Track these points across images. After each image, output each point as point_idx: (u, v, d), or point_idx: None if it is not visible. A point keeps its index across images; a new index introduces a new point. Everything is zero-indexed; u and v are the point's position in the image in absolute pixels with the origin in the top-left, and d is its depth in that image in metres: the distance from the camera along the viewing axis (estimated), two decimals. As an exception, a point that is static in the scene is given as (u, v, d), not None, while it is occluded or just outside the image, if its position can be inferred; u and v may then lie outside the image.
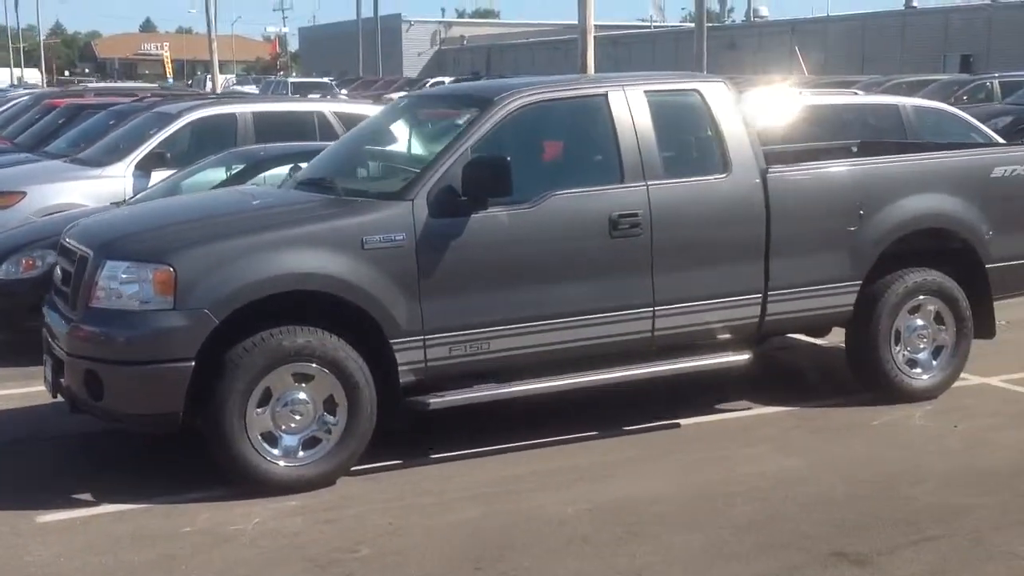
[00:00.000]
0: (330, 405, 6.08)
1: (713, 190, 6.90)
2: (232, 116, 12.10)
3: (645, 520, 5.60)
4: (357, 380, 6.06)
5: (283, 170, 8.15)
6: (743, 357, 7.04)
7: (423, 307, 6.18)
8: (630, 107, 6.76)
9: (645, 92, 6.87)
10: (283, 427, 6.00)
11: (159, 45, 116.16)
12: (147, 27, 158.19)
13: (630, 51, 63.11)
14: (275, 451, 5.98)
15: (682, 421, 7.17)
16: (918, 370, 7.55)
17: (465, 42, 77.78)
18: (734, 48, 56.94)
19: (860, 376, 7.58)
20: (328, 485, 6.09)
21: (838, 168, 7.44)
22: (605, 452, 6.65)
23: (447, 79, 45.12)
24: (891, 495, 5.87)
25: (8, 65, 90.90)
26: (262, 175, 8.54)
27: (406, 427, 6.41)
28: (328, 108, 12.78)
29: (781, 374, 8.48)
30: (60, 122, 16.55)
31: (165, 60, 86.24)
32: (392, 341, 6.15)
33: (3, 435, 7.23)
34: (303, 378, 6.02)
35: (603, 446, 6.77)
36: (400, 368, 6.20)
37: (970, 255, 7.63)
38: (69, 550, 5.35)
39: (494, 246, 6.34)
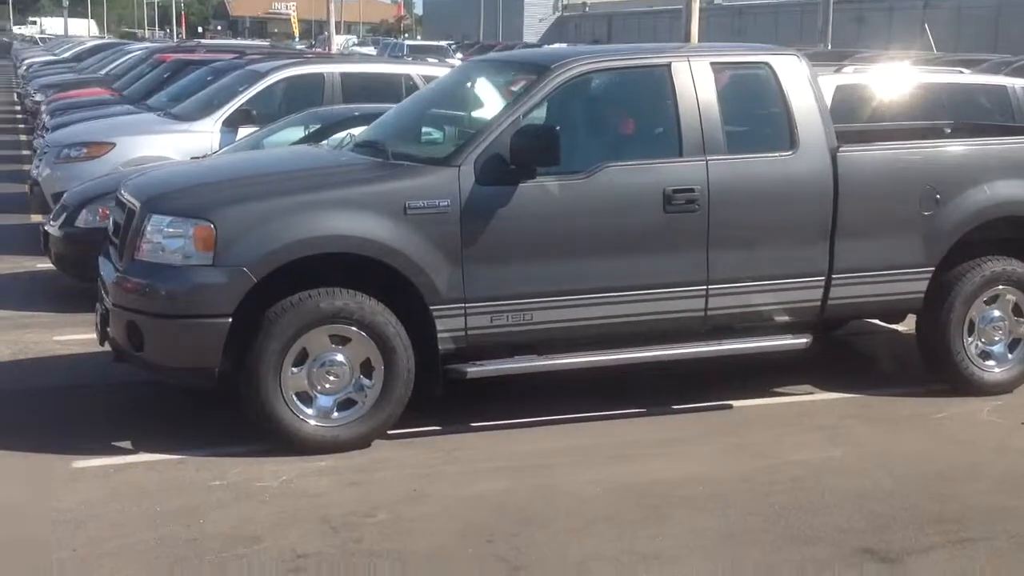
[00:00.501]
0: (367, 368, 6.04)
1: (778, 167, 6.66)
2: (320, 76, 12.16)
3: (673, 503, 5.45)
4: (394, 344, 6.00)
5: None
6: (801, 341, 6.81)
7: (465, 275, 6.09)
8: (694, 79, 6.54)
9: (711, 64, 6.66)
10: (319, 387, 5.98)
11: (287, 5, 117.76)
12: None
13: (754, 22, 61.94)
14: (309, 411, 5.96)
15: (736, 403, 6.97)
16: (992, 363, 7.22)
17: (587, 8, 77.13)
18: (862, 22, 55.46)
19: (931, 366, 7.29)
20: (363, 447, 6.06)
21: (913, 150, 7.13)
22: (648, 431, 6.51)
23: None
24: (937, 493, 5.62)
25: (141, 23, 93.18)
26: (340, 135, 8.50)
27: (441, 394, 6.29)
28: (416, 71, 12.75)
29: (852, 360, 8.24)
30: (165, 76, 16.79)
31: (292, 20, 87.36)
32: (432, 307, 6.08)
33: (64, 379, 7.35)
34: (340, 340, 5.98)
35: (648, 424, 6.62)
36: (439, 335, 6.13)
37: (1053, 246, 7.26)
38: (96, 497, 5.40)
39: (542, 216, 6.21)
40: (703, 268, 6.50)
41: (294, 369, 5.91)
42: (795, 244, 6.68)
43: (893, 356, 8.24)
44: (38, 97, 20.89)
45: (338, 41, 65.50)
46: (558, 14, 78.69)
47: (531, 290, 6.23)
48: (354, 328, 5.95)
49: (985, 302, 7.17)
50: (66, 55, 36.81)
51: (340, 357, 5.98)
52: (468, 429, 6.44)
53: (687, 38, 16.56)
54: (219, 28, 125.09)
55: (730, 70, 6.82)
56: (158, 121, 12.09)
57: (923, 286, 6.99)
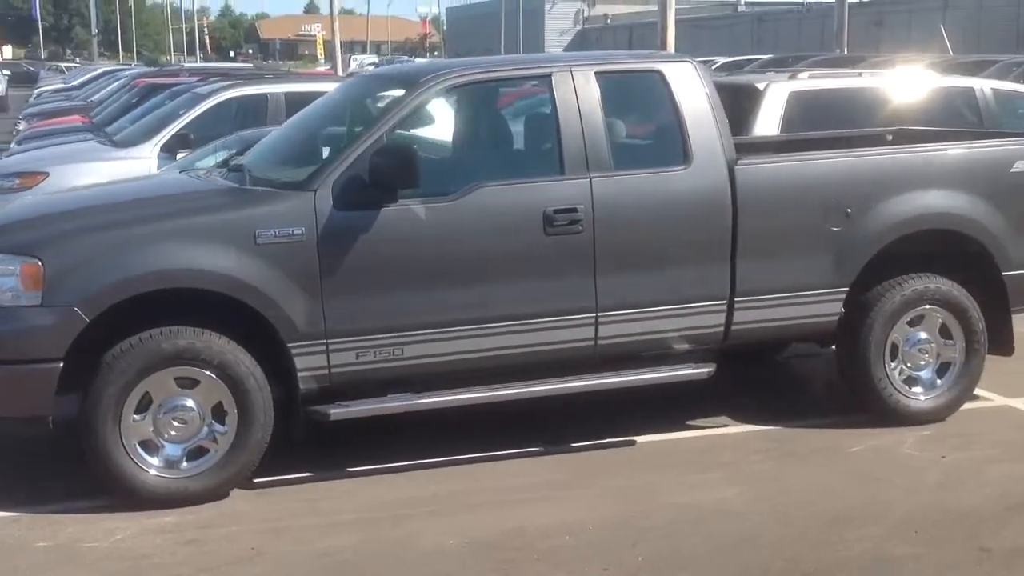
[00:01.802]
0: (219, 413, 5.61)
1: (670, 184, 6.20)
2: (263, 97, 11.81)
3: (529, 557, 5.00)
4: (248, 386, 5.59)
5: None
6: (703, 370, 6.33)
7: (325, 308, 5.67)
8: (576, 91, 6.09)
9: (596, 74, 6.20)
10: (165, 435, 5.57)
11: (316, 26, 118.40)
12: (311, 8, 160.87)
13: (777, 28, 61.32)
14: (155, 461, 5.56)
15: (641, 438, 6.50)
16: (918, 389, 6.71)
17: (608, 21, 76.71)
18: (881, 26, 54.70)
19: (854, 394, 6.78)
20: (217, 499, 5.64)
21: (820, 160, 6.65)
22: (536, 471, 6.06)
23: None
24: (824, 539, 5.14)
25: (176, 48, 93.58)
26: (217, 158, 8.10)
27: (304, 438, 5.87)
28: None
29: (782, 387, 7.76)
30: (134, 102, 16.52)
31: (317, 41, 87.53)
32: (290, 345, 5.66)
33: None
34: (189, 383, 5.57)
35: (539, 464, 6.17)
36: (299, 374, 5.71)
37: (986, 261, 6.74)
38: (-91, 561, 5.01)
39: (408, 242, 5.78)
40: (591, 294, 6.05)
41: (136, 416, 5.50)
42: (692, 266, 6.21)
43: (828, 382, 7.72)
44: (21, 125, 20.72)
45: (361, 61, 65.58)
46: (579, 27, 78.36)
47: (400, 323, 5.80)
48: (202, 369, 5.54)
49: (909, 324, 6.67)
50: (74, 83, 36.80)
51: (188, 402, 5.57)
52: (344, 475, 6.01)
53: (663, 46, 16.13)
54: (250, 51, 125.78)
55: (618, 80, 6.38)
56: (96, 149, 11.80)
57: (837, 308, 6.50)
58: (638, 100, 6.46)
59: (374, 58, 70.76)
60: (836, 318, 6.52)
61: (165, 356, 5.48)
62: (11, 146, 16.01)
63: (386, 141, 5.77)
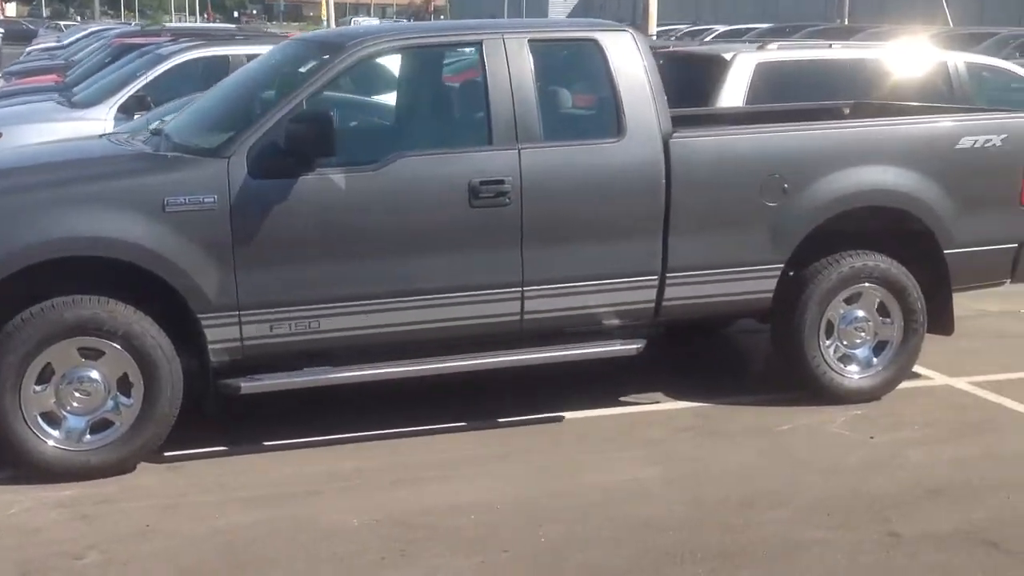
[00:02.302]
0: (125, 385, 5.48)
1: (602, 156, 6.04)
2: (225, 58, 11.62)
3: (432, 537, 4.88)
4: (155, 358, 5.45)
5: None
6: (632, 346, 6.20)
7: (238, 279, 5.53)
8: (508, 59, 5.92)
9: (530, 41, 6.02)
10: (68, 407, 5.43)
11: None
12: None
13: (779, -2, 60.76)
14: (56, 433, 5.42)
15: (569, 414, 6.38)
16: (854, 368, 6.58)
17: (614, -14, 76.05)
18: (885, -4, 54.18)
19: (788, 371, 6.65)
20: (123, 472, 5.53)
21: (758, 135, 6.49)
22: (456, 448, 5.94)
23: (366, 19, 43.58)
24: (733, 522, 5.02)
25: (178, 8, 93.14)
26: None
27: (220, 412, 5.75)
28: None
29: (724, 362, 7.63)
30: (107, 62, 16.31)
31: (321, 2, 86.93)
32: (200, 316, 5.53)
33: None
34: (94, 353, 5.44)
35: (460, 440, 6.06)
36: (211, 346, 5.58)
37: (928, 239, 6.59)
38: None
39: (326, 212, 5.64)
40: (517, 268, 5.91)
41: (37, 387, 5.37)
42: (623, 240, 6.07)
43: (770, 358, 7.56)
44: (0, 83, 20.54)
45: (359, 23, 65.07)
46: (583, -7, 77.72)
47: (317, 295, 5.66)
48: (107, 340, 5.40)
49: (846, 301, 6.53)
50: (64, 41, 36.49)
51: (92, 373, 5.43)
52: (261, 449, 5.90)
53: (644, 14, 15.94)
54: (254, 12, 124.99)
55: (553, 49, 6.23)
56: (53, 109, 11.64)
57: (771, 285, 6.36)
58: (573, 70, 6.31)
59: (375, 21, 70.24)
60: (771, 295, 6.38)
61: (68, 326, 5.34)
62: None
63: (305, 108, 5.61)
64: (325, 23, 77.23)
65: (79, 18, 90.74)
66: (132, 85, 11.13)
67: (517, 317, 5.98)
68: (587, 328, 6.21)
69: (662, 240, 6.11)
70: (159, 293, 5.51)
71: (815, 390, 6.51)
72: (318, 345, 5.74)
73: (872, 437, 6.07)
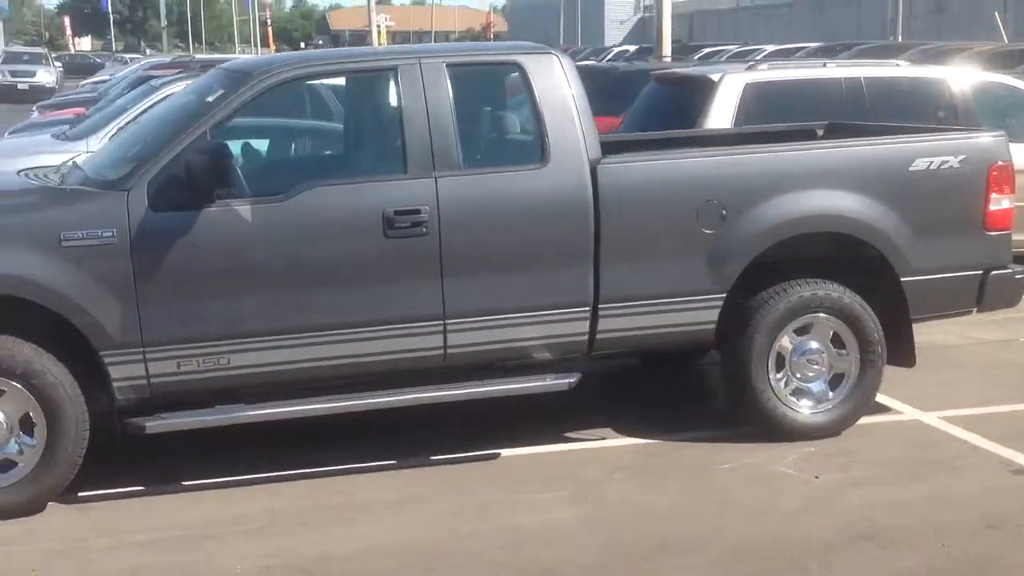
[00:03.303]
0: (28, 424, 5.34)
1: (525, 184, 5.82)
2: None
3: (315, 585, 4.66)
4: (56, 397, 5.31)
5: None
6: (564, 381, 5.94)
7: (141, 315, 5.37)
8: (424, 85, 5.72)
9: (448, 66, 5.82)
10: (-32, 448, 5.30)
11: (386, 16, 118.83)
12: None
13: (835, 15, 60.13)
14: (-44, 475, 5.29)
15: (506, 452, 6.14)
16: (807, 402, 6.26)
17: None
18: (943, 12, 53.38)
19: (737, 407, 6.35)
20: (30, 513, 5.39)
21: (692, 160, 6.22)
22: (376, 489, 5.72)
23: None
24: (640, 567, 4.79)
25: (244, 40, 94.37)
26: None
27: (122, 449, 5.59)
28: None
29: (686, 397, 7.33)
30: (123, 94, 16.38)
31: (380, 31, 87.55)
32: (103, 353, 5.37)
33: None
34: (-7, 393, 5.30)
35: (387, 479, 5.84)
36: (115, 384, 5.43)
37: (883, 266, 6.27)
38: None
39: (232, 245, 5.47)
40: (438, 300, 5.69)
41: (-67, 428, 5.25)
42: (550, 271, 5.83)
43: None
44: (34, 115, 20.74)
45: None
46: (639, 15, 77.54)
47: (225, 331, 5.49)
48: (6, 379, 5.27)
49: (796, 332, 6.22)
50: (117, 75, 36.94)
51: (-7, 412, 5.30)
52: (178, 489, 5.73)
53: (658, 36, 15.69)
54: (320, 43, 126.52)
55: (473, 73, 5.99)
56: (48, 142, 11.62)
57: (713, 315, 6.07)
58: (496, 95, 6.07)
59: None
60: (713, 326, 6.09)
61: (-37, 364, 5.21)
62: (4, 136, 15.98)
63: (207, 138, 5.45)
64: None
65: (148, 51, 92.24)
66: (122, 117, 11.06)
67: (440, 351, 5.76)
68: (517, 362, 5.96)
69: (592, 270, 5.86)
70: (65, 331, 5.36)
71: (766, 426, 6.21)
72: (230, 382, 5.57)
73: (817, 477, 5.75)
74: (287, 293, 5.54)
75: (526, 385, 5.92)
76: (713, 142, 7.44)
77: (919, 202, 6.26)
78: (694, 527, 5.16)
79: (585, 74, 13.88)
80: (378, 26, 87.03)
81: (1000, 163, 6.38)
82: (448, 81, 5.76)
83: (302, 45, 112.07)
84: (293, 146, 6.03)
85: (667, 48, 15.19)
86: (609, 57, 42.70)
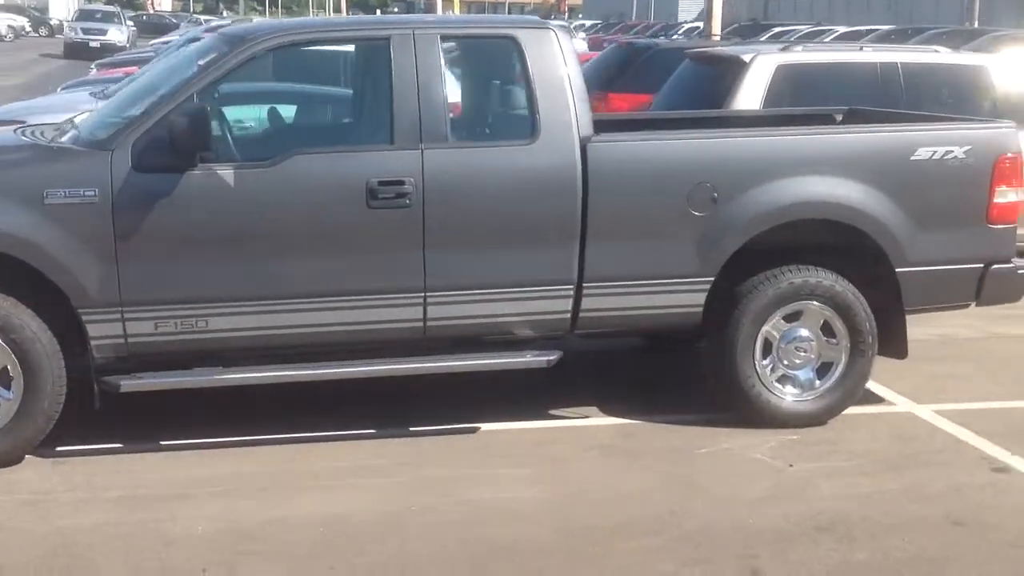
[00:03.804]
0: (5, 378, 5.43)
1: (513, 159, 5.79)
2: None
3: (265, 549, 4.73)
4: (33, 351, 5.39)
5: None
6: (544, 358, 5.92)
7: (121, 274, 5.43)
8: (416, 55, 5.70)
9: (442, 37, 5.79)
10: (-56, 399, 5.41)
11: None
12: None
13: (914, 2, 59.00)
14: (-67, 425, 5.39)
15: (486, 426, 6.14)
16: (794, 389, 6.19)
17: (744, -15, 74.70)
18: (1023, -1, 52.11)
19: (719, 392, 6.28)
20: (6, 464, 5.51)
21: (685, 140, 6.14)
22: (354, 456, 5.77)
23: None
24: (592, 549, 4.76)
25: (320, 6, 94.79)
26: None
27: (99, 407, 5.65)
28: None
29: (681, 378, 7.25)
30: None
31: (454, 4, 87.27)
32: (81, 311, 5.44)
33: None
34: (-28, 346, 5.39)
35: (362, 448, 5.88)
36: (93, 342, 5.50)
37: (878, 256, 6.17)
38: None
39: (215, 209, 5.51)
40: (419, 272, 5.69)
41: (-89, 378, 5.35)
42: (535, 247, 5.80)
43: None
44: (92, 72, 20.99)
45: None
46: (715, -8, 76.59)
47: (204, 294, 5.54)
48: (-21, 332, 5.36)
49: (786, 319, 6.14)
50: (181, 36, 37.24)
51: (-30, 365, 5.39)
52: (155, 448, 5.80)
53: (708, 10, 15.49)
54: (395, 10, 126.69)
55: (467, 46, 5.99)
56: (83, 100, 11.75)
57: (700, 299, 6.02)
58: (489, 68, 6.06)
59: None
60: (700, 309, 6.03)
61: (-63, 317, 5.31)
62: (57, 91, 16.22)
63: (194, 102, 5.48)
64: (457, 20, 77.94)
65: (225, 14, 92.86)
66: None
67: (420, 323, 5.77)
68: (497, 337, 5.95)
69: (578, 248, 5.82)
70: (46, 287, 5.43)
71: (750, 411, 6.15)
72: (207, 345, 5.62)
73: (791, 465, 5.69)
74: (268, 259, 5.56)
75: (506, 361, 5.91)
76: (725, 123, 7.35)
77: (920, 192, 6.14)
78: (653, 510, 5.13)
79: (623, 51, 13.86)
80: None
81: (1008, 155, 6.23)
82: (441, 53, 5.73)
83: (377, 12, 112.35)
84: (284, 113, 6.02)
85: (716, 26, 14.98)
86: (679, 34, 42.44)
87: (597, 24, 57.00)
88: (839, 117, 7.74)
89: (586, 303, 5.90)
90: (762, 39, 31.84)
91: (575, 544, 4.79)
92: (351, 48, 6.14)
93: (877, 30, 35.41)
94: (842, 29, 38.68)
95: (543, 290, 5.83)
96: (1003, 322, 8.39)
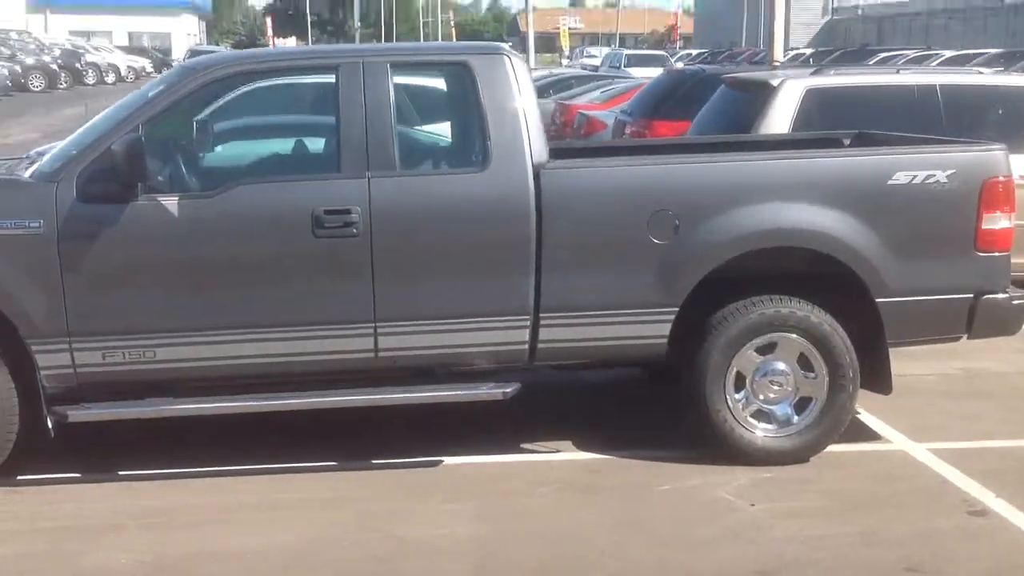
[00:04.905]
0: (-41, 408, 5.48)
1: (463, 187, 5.66)
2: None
3: (173, 584, 4.64)
4: (-18, 382, 5.42)
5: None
6: (500, 391, 5.75)
7: (68, 304, 5.45)
8: (364, 84, 5.63)
9: (392, 65, 5.71)
10: (-101, 430, 5.46)
11: (576, 18, 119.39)
12: (576, 2, 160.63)
13: (963, 26, 57.62)
14: None
15: (451, 459, 6.00)
16: (770, 425, 5.93)
17: (861, 11, 73.55)
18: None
19: (693, 427, 6.05)
20: (-39, 495, 5.53)
21: (644, 167, 5.94)
22: (305, 488, 5.68)
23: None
24: (498, 591, 4.57)
25: (421, 39, 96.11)
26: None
27: (52, 437, 5.65)
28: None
29: (669, 413, 7.01)
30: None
31: (562, 33, 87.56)
32: (29, 341, 5.46)
33: None
34: (-78, 377, 5.45)
35: (314, 480, 5.79)
36: (41, 372, 5.51)
37: (857, 286, 5.88)
38: None
39: (159, 240, 5.49)
40: (368, 302, 5.59)
41: None
42: (489, 277, 5.66)
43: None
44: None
45: (588, 52, 65.62)
46: (828, 18, 75.55)
47: (151, 324, 5.52)
48: (-70, 364, 5.41)
49: (759, 351, 5.89)
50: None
51: (-78, 396, 5.45)
52: (113, 477, 5.80)
53: (770, 40, 15.19)
54: (511, 45, 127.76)
55: (419, 73, 5.89)
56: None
57: (664, 329, 5.80)
58: (442, 95, 5.93)
59: (596, 49, 70.33)
60: (664, 340, 5.81)
61: None
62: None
63: (139, 132, 5.48)
64: (565, 53, 78.18)
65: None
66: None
67: (371, 354, 5.66)
68: (454, 368, 5.81)
69: (534, 278, 5.66)
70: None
71: (722, 447, 5.90)
72: (156, 375, 5.59)
73: (753, 505, 5.43)
74: (214, 290, 5.53)
75: (460, 393, 5.77)
76: (724, 148, 7.11)
77: (898, 218, 5.85)
78: (586, 550, 4.93)
79: (671, 79, 13.63)
80: (561, 28, 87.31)
81: (996, 178, 5.90)
82: (390, 81, 5.65)
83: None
84: (233, 142, 5.99)
85: (779, 52, 14.68)
86: (787, 59, 41.85)
87: (704, 53, 56.54)
88: (847, 141, 7.44)
89: (544, 334, 5.73)
90: (869, 63, 31.24)
91: (489, 584, 4.62)
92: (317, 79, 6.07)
93: (985, 54, 34.47)
94: (949, 53, 37.75)
95: (498, 320, 5.69)
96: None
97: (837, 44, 61.34)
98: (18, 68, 41.52)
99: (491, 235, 5.63)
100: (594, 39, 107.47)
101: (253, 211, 5.51)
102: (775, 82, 9.46)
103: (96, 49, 55.53)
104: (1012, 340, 7.90)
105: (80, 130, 6.13)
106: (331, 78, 5.67)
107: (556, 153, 5.89)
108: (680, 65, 39.36)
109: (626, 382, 7.25)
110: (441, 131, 6.03)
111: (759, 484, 5.68)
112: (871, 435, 6.39)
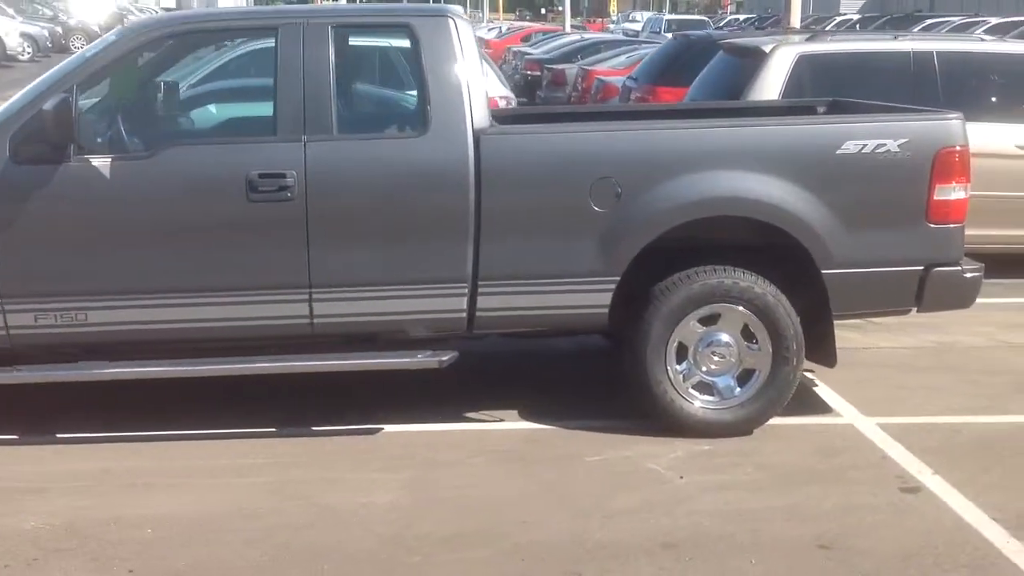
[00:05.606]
0: None
1: (401, 152, 5.60)
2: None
3: (79, 547, 4.65)
4: (-85, 343, 5.44)
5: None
6: (435, 359, 5.69)
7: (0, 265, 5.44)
8: (304, 46, 5.56)
9: (333, 27, 5.63)
10: None
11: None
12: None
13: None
14: None
15: (391, 427, 5.97)
16: (711, 397, 5.84)
17: (913, -23, 72.19)
18: None
19: (633, 398, 5.96)
20: None
21: (586, 133, 5.84)
22: (235, 454, 5.65)
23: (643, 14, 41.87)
24: (410, 559, 4.57)
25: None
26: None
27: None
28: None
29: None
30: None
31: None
32: (-37, 302, 5.47)
33: None
34: None
35: (248, 446, 5.75)
36: (-25, 334, 5.52)
37: (803, 256, 5.77)
38: None
39: (91, 201, 5.47)
40: (303, 268, 5.55)
41: None
42: (426, 243, 5.60)
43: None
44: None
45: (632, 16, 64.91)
46: (877, -17, 74.25)
47: (83, 287, 5.51)
48: None
49: (702, 322, 5.79)
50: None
51: None
52: (50, 440, 5.82)
53: (787, 6, 14.92)
54: (560, 9, 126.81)
55: (361, 35, 5.81)
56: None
57: (605, 299, 5.71)
58: (383, 58, 5.86)
59: (642, 15, 69.63)
60: (606, 310, 5.73)
61: None
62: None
63: (73, 93, 5.45)
64: (613, 17, 77.44)
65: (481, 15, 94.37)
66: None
67: (307, 320, 5.63)
68: (391, 336, 5.76)
69: (472, 245, 5.59)
70: None
71: (662, 418, 5.83)
72: (88, 338, 5.59)
73: (682, 477, 5.36)
74: (146, 253, 5.50)
75: (395, 360, 5.72)
76: (703, 115, 6.98)
77: (847, 188, 5.72)
78: (503, 520, 4.88)
79: (677, 44, 13.44)
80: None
81: (949, 148, 5.75)
82: (331, 43, 5.57)
83: (543, 11, 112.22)
84: (170, 103, 5.95)
85: (795, 18, 14.42)
86: (831, 26, 41.23)
87: (752, 18, 55.76)
88: (821, 109, 7.30)
89: (482, 302, 5.67)
90: (915, 30, 30.75)
91: (395, 553, 4.59)
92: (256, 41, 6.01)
93: (1031, 20, 33.71)
94: (994, 20, 37.02)
95: (436, 288, 5.63)
96: (1019, 331, 7.84)
97: (889, 10, 60.29)
98: (59, 29, 41.71)
99: (429, 201, 5.56)
100: (646, 3, 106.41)
101: (187, 174, 5.48)
102: (767, 48, 9.31)
103: (141, 12, 55.79)
104: (992, 313, 7.81)
105: (22, 91, 6.11)
106: (271, 40, 5.61)
107: (502, 119, 5.77)
108: (722, 31, 38.84)
109: (581, 351, 7.16)
110: (382, 95, 5.94)
111: (695, 456, 5.60)
112: (823, 408, 6.29)
